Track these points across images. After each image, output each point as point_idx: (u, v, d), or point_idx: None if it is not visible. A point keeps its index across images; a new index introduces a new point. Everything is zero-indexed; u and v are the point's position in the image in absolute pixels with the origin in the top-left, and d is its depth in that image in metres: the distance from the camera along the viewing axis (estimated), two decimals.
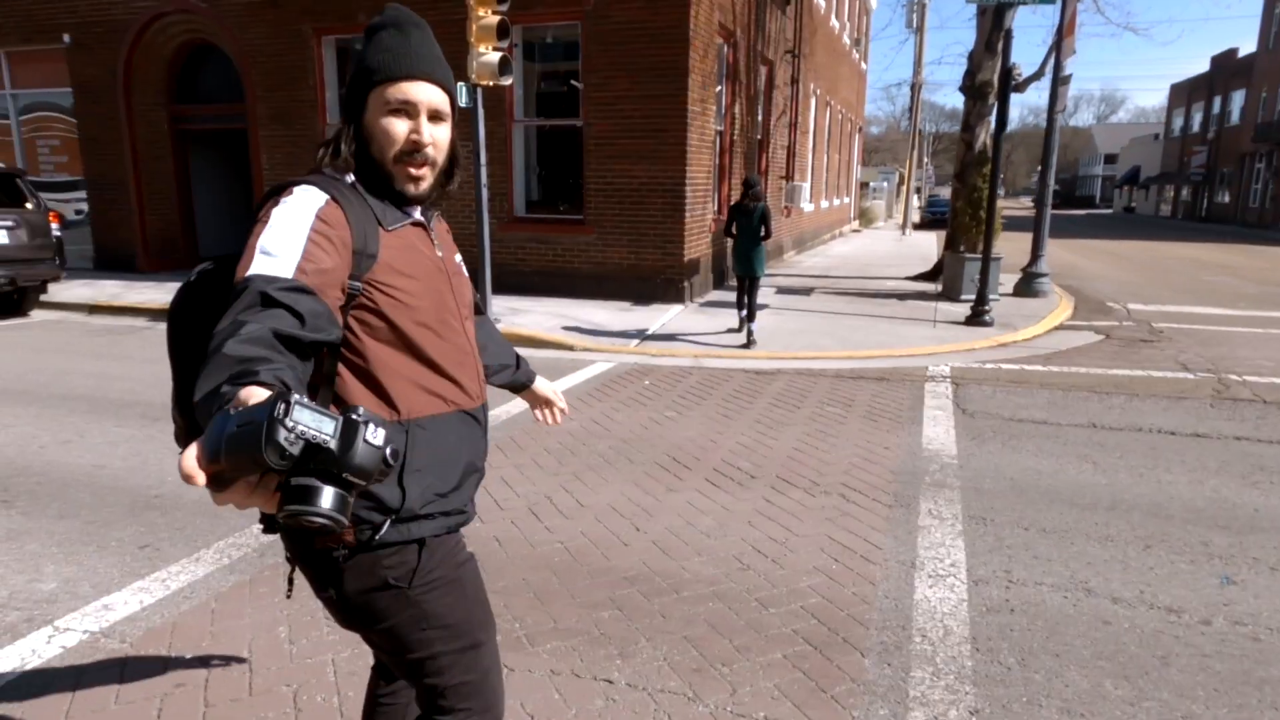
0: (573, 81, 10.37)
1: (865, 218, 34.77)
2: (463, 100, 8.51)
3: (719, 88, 11.40)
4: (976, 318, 9.41)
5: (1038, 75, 11.90)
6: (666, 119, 9.85)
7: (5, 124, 13.75)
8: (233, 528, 3.79)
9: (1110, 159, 76.91)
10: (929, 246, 22.32)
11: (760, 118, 14.06)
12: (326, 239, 1.26)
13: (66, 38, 12.56)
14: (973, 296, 10.52)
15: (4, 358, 7.57)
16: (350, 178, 1.39)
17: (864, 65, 29.64)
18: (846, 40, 23.85)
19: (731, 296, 9.42)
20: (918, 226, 33.89)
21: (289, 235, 1.23)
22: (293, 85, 11.48)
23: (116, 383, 6.61)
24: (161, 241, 13.16)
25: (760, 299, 9.27)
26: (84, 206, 13.51)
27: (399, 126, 1.37)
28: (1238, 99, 44.64)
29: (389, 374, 1.37)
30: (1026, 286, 11.37)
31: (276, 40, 11.41)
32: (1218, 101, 47.41)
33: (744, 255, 8.25)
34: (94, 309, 10.44)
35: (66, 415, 5.65)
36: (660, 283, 10.37)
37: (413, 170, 1.39)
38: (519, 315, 9.62)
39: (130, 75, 12.30)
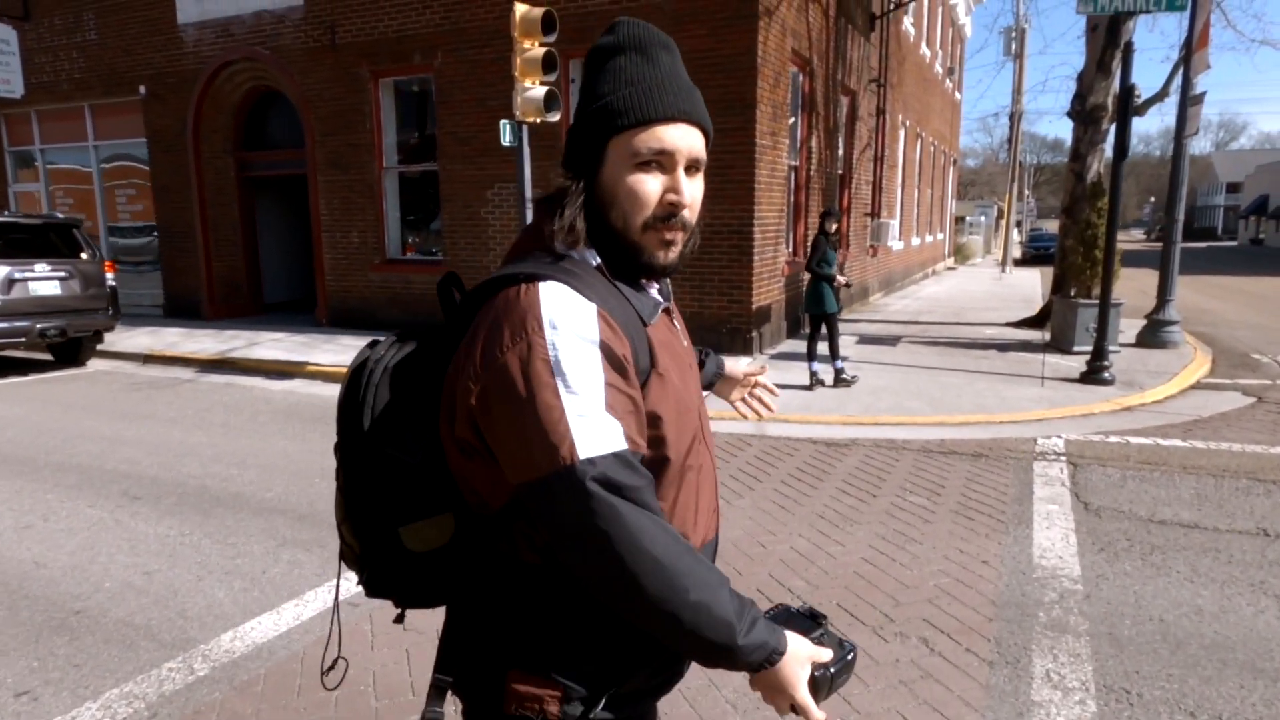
0: None
1: (961, 254, 32.91)
2: (506, 139, 7.90)
3: (792, 120, 10.48)
4: (1094, 375, 8.07)
5: (1160, 96, 10.52)
6: (733, 154, 8.99)
7: (88, 172, 14.09)
8: (139, 667, 3.04)
9: (1233, 188, 71.70)
10: (1032, 286, 20.59)
11: (841, 151, 13.05)
12: (622, 376, 1.00)
13: (142, 89, 12.75)
14: (1087, 348, 9.15)
15: (34, 416, 7.27)
16: (594, 258, 1.08)
17: (958, 95, 28.14)
18: (938, 69, 22.56)
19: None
20: (1019, 263, 31.82)
21: (589, 386, 0.96)
22: (349, 130, 11.20)
23: (122, 449, 6.12)
24: (226, 288, 13.09)
25: (842, 347, 8.33)
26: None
27: (651, 185, 1.06)
28: None
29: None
30: (1152, 336, 9.88)
31: (335, 84, 11.18)
32: None
33: (806, 290, 8.05)
34: (148, 358, 10.25)
35: (48, 490, 5.13)
36: (726, 333, 9.44)
37: (666, 235, 1.09)
38: None
39: (199, 124, 12.34)
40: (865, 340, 10.72)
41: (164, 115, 12.64)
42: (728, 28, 8.77)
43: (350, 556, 1.18)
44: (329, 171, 11.50)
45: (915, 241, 20.72)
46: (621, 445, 0.94)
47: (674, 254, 1.09)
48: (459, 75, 10.30)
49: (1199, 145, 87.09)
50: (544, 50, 7.58)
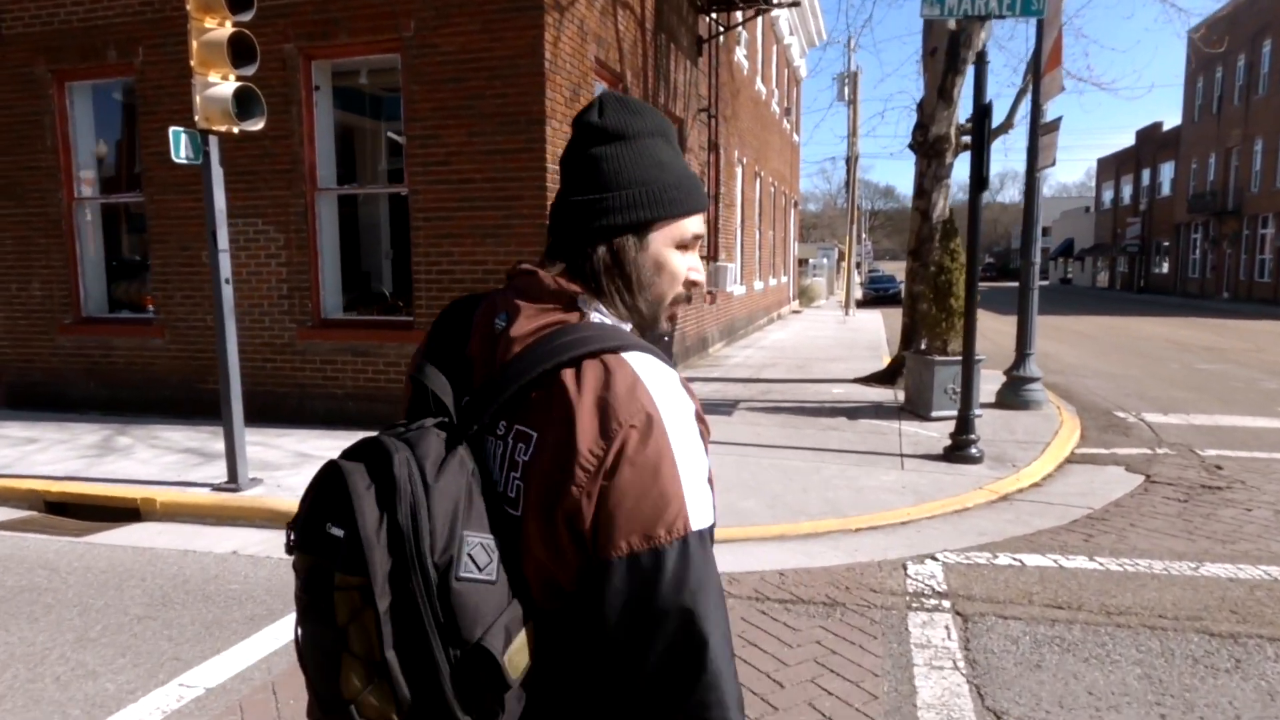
0: (391, 134, 7.59)
1: (806, 296, 32.71)
2: (179, 153, 5.62)
3: None
4: (959, 451, 6.65)
5: (1005, 126, 9.57)
6: (519, 182, 7.07)
7: None
8: None
9: (1043, 231, 77.96)
10: (876, 330, 19.96)
11: None
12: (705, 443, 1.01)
13: None
14: (948, 413, 7.81)
15: None
16: (626, 324, 1.08)
17: (796, 137, 27.91)
18: (775, 109, 21.91)
19: None
20: (860, 304, 31.94)
21: (696, 456, 0.96)
22: (24, 147, 8.45)
23: None
24: None
25: None
26: None
27: (683, 265, 1.10)
28: (1167, 171, 44.72)
29: None
30: (1013, 395, 8.71)
31: (3, 88, 8.44)
32: (1146, 174, 47.58)
33: None
34: None
35: None
36: None
37: (677, 310, 1.14)
38: (305, 468, 6.51)
39: None
40: None
41: None
42: (504, 22, 6.89)
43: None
44: None
45: (758, 285, 19.65)
46: (712, 519, 0.95)
47: (670, 325, 1.14)
48: (167, 79, 7.87)
49: (1008, 194, 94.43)
50: (232, 31, 5.42)
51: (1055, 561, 4.51)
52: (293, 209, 7.72)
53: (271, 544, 5.12)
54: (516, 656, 0.91)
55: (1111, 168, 54.18)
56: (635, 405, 0.92)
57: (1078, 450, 7.16)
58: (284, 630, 3.75)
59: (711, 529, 0.93)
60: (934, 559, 4.59)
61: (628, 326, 1.06)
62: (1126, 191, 51.33)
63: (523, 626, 0.92)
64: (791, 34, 23.60)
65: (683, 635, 0.87)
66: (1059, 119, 7.62)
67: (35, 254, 8.63)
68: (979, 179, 6.38)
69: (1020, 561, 4.52)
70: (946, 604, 3.97)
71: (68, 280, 8.58)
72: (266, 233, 7.80)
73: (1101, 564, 4.46)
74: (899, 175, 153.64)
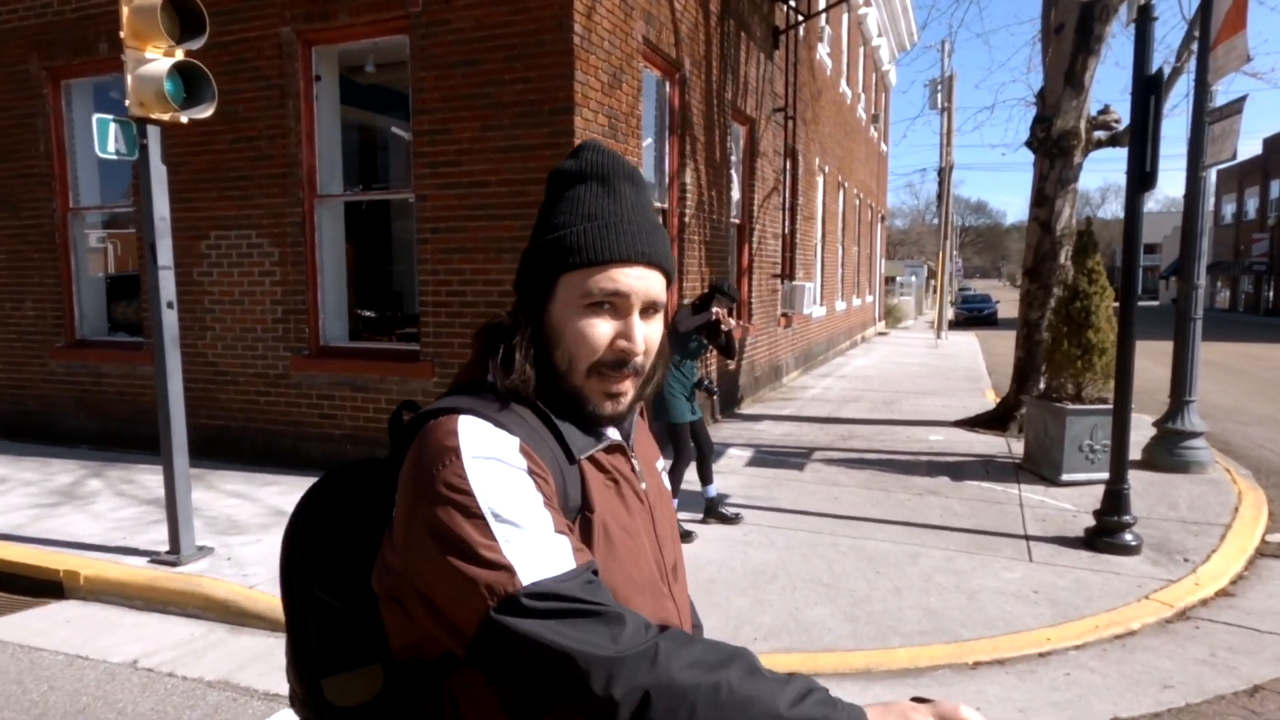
0: (395, 129, 6.42)
1: (892, 317, 30.58)
2: (107, 146, 4.55)
3: (647, 141, 7.39)
4: (1108, 536, 4.99)
5: None
6: (541, 185, 5.74)
7: None
8: None
9: (1150, 249, 72.71)
10: (972, 356, 17.94)
11: (738, 195, 10.05)
12: (554, 503, 0.91)
13: None
14: (1081, 477, 6.17)
15: None
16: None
17: (884, 146, 26.01)
18: (861, 115, 20.20)
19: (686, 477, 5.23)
20: (952, 325, 29.61)
21: (525, 508, 0.87)
22: (18, 153, 7.69)
23: None
24: None
25: (722, 471, 5.37)
26: None
27: (601, 329, 0.97)
28: None
29: None
30: (1167, 453, 6.89)
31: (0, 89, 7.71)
32: (1275, 186, 43.32)
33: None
34: None
35: None
36: None
37: (613, 387, 0.98)
38: (273, 532, 5.34)
39: None
40: (761, 456, 7.47)
41: None
42: None
43: (298, 700, 1.05)
44: None
45: (840, 306, 17.93)
46: (571, 564, 0.85)
47: (622, 406, 0.99)
48: None
49: (1110, 209, 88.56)
50: None
51: None
52: (288, 219, 6.64)
53: (188, 648, 3.92)
54: (353, 684, 0.95)
55: (1234, 179, 49.72)
56: (437, 467, 0.87)
57: (1270, 536, 5.37)
58: None
59: (571, 575, 0.84)
60: None
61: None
62: (1251, 205, 46.96)
63: (366, 664, 0.95)
64: (880, 35, 21.85)
65: (569, 674, 0.80)
66: (1243, 97, 5.82)
67: (29, 270, 7.83)
68: (1141, 174, 4.74)
69: None
70: None
71: (60, 298, 7.75)
72: (260, 246, 6.76)
73: None
74: (991, 189, 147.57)
